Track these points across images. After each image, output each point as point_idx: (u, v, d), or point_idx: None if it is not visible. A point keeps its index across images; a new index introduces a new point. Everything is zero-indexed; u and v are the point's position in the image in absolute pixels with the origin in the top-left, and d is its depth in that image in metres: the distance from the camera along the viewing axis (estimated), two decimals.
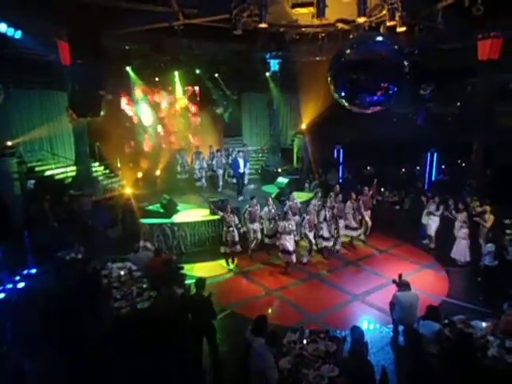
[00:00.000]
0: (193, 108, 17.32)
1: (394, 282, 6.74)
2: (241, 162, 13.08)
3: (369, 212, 11.41)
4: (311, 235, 10.02)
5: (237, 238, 9.90)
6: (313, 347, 5.03)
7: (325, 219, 10.24)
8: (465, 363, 4.62)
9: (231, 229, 9.86)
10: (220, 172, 14.20)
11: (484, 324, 5.57)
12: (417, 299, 6.26)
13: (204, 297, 5.66)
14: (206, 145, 15.75)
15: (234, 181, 14.07)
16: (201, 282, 5.82)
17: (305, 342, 5.14)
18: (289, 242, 9.33)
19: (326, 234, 10.27)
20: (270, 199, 10.87)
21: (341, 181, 16.31)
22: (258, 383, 4.38)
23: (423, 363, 5.25)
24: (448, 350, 5.01)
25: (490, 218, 9.35)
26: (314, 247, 10.29)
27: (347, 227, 11.04)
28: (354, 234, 11.22)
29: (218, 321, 6.17)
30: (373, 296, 8.32)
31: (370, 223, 11.41)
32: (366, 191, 11.45)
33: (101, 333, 5.59)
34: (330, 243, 10.42)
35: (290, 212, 10.06)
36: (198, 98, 17.24)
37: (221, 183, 14.27)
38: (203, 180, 14.36)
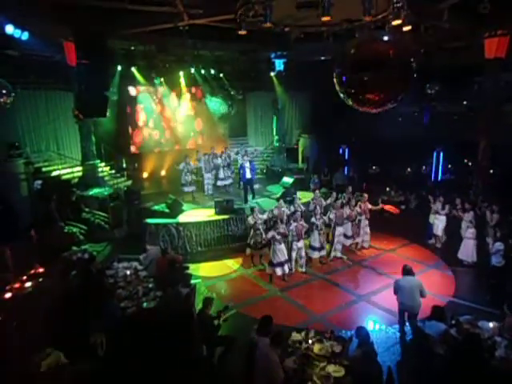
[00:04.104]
0: (198, 108, 17.39)
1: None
2: (247, 167, 12.66)
3: (366, 222, 10.74)
4: (300, 244, 9.29)
5: (264, 242, 9.51)
6: (318, 347, 5.03)
7: (316, 228, 9.64)
8: (472, 364, 4.59)
9: (258, 232, 9.55)
10: (207, 176, 13.74)
11: (491, 324, 5.53)
12: (417, 283, 6.41)
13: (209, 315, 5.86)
14: (211, 145, 15.78)
15: (226, 182, 14.02)
16: (209, 300, 6.04)
17: (310, 341, 5.13)
18: (279, 253, 8.80)
19: (316, 243, 9.70)
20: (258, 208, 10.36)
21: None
22: (263, 383, 4.38)
23: (429, 363, 5.22)
24: (455, 350, 4.98)
25: (494, 217, 9.30)
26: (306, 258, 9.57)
27: (344, 235, 10.34)
28: (348, 242, 10.52)
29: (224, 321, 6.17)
30: (378, 296, 8.28)
31: (368, 232, 10.79)
32: (365, 198, 10.88)
33: (106, 332, 5.61)
34: (322, 253, 9.83)
35: (278, 221, 9.28)
36: (202, 98, 17.30)
37: (210, 187, 13.86)
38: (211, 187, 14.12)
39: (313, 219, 9.69)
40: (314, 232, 9.70)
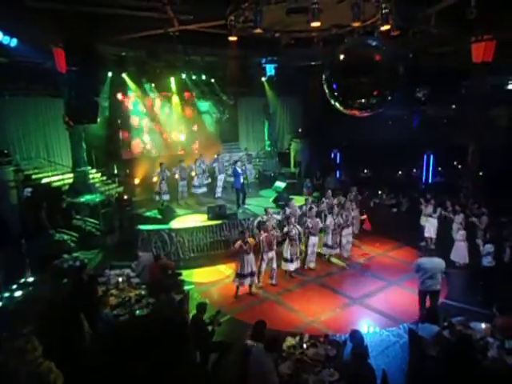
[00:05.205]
0: (189, 113, 17.38)
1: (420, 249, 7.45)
2: (241, 173, 12.42)
3: (350, 229, 10.53)
4: (271, 255, 8.93)
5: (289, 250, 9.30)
6: (313, 352, 5.01)
7: (288, 238, 9.27)
8: (464, 365, 4.62)
9: (294, 242, 9.31)
10: (182, 183, 13.56)
11: (483, 325, 5.58)
12: (440, 266, 6.79)
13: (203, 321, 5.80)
14: (203, 150, 15.81)
15: (200, 191, 13.80)
16: (203, 305, 5.94)
17: (305, 346, 5.12)
18: (247, 263, 8.39)
19: (287, 255, 9.27)
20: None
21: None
22: None
23: (423, 366, 5.24)
24: (447, 352, 5.01)
25: (483, 220, 9.42)
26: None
27: (325, 245, 10.14)
28: (332, 252, 10.23)
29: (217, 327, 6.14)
30: (372, 299, 8.31)
31: (350, 241, 10.58)
32: (348, 205, 10.80)
33: (98, 340, 5.55)
34: (293, 266, 9.33)
35: (247, 232, 8.98)
36: (194, 104, 17.30)
37: (183, 196, 13.73)
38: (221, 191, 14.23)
39: (285, 229, 9.31)
40: (285, 242, 9.32)
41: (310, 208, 10.28)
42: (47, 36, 9.69)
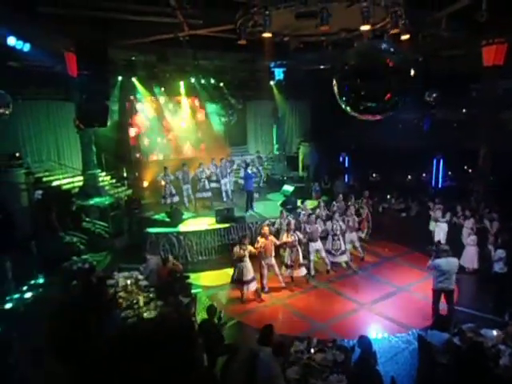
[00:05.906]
0: (198, 117, 17.47)
1: (432, 250, 7.42)
2: (253, 177, 12.67)
3: (354, 234, 10.48)
4: (268, 261, 8.93)
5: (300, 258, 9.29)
6: (320, 357, 4.98)
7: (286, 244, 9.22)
8: (476, 373, 4.54)
9: (294, 248, 9.24)
10: (185, 187, 13.48)
11: (495, 332, 5.48)
12: (456, 265, 6.97)
13: (214, 324, 5.78)
14: (211, 154, 15.84)
15: (202, 195, 13.69)
16: (213, 309, 5.94)
17: (312, 351, 5.09)
18: (246, 269, 8.45)
19: (288, 261, 9.24)
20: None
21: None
22: None
23: (433, 373, 5.17)
24: (458, 359, 4.93)
25: (494, 225, 9.29)
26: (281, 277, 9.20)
27: (328, 252, 9.92)
28: (336, 259, 9.98)
29: (225, 331, 6.14)
30: (380, 304, 8.23)
31: (357, 246, 10.58)
32: (350, 211, 10.65)
33: (106, 343, 5.57)
34: (294, 272, 9.20)
35: (247, 238, 8.95)
36: (202, 107, 17.39)
37: (190, 199, 13.62)
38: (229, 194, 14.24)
39: (284, 237, 9.25)
40: (286, 248, 9.29)
41: (309, 214, 10.24)
42: (59, 40, 9.84)
